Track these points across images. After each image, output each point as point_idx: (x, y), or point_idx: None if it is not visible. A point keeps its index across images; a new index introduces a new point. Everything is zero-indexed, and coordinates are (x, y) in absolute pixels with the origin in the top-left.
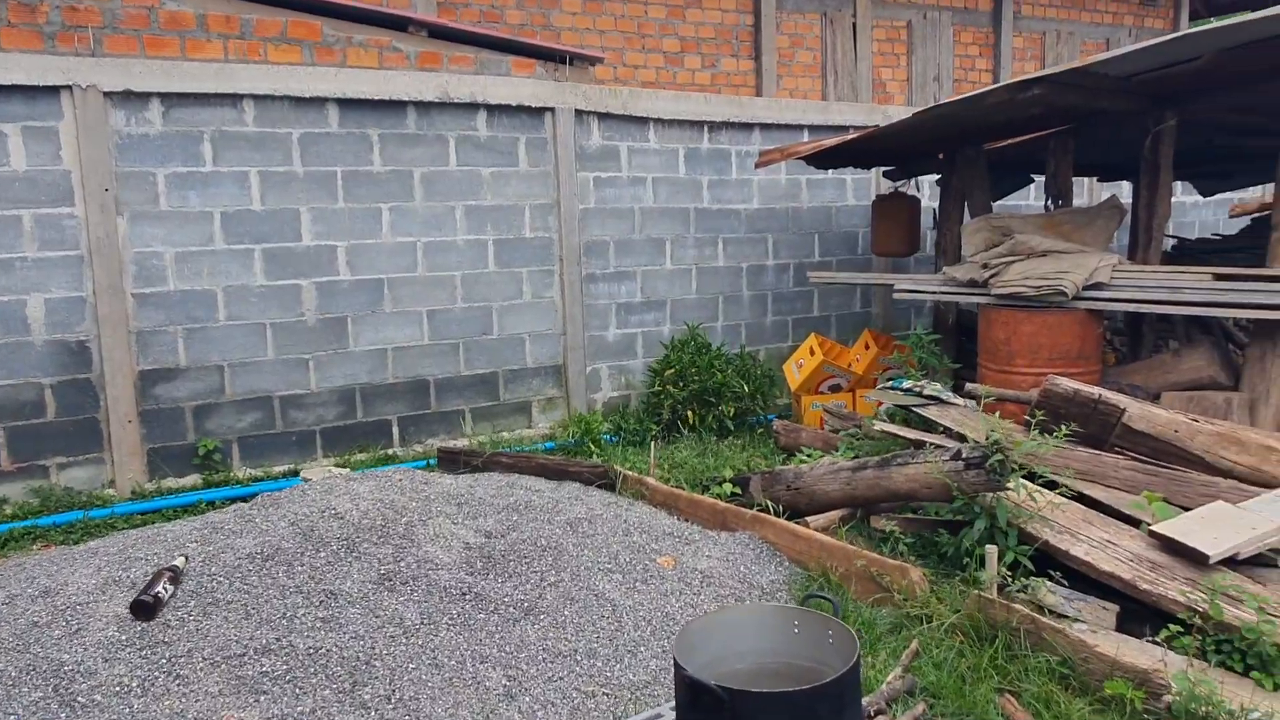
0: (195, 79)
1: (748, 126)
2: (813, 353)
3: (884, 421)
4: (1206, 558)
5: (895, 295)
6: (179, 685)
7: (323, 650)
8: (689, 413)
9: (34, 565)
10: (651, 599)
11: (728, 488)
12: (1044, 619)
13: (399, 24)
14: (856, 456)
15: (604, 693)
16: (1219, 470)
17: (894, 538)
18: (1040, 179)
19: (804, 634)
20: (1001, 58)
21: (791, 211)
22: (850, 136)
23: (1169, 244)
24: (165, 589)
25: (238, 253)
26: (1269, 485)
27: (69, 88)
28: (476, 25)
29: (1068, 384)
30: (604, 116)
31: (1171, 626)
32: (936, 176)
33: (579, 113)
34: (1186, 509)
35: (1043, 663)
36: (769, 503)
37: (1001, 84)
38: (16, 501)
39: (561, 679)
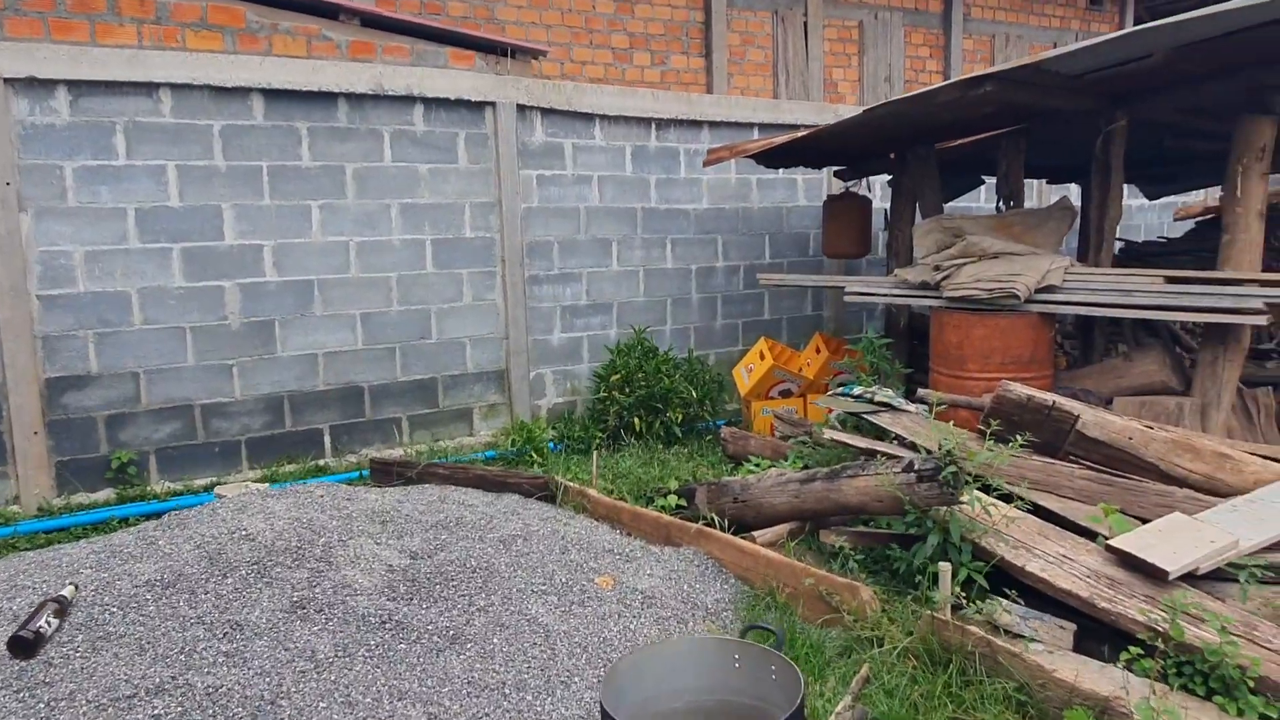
0: (106, 66)
1: (697, 124)
2: (763, 357)
3: (835, 429)
4: (1166, 574)
5: (846, 298)
6: None
7: (223, 689)
8: (635, 420)
9: None
10: (588, 623)
11: (673, 500)
12: (999, 641)
13: (330, 12)
14: (806, 466)
15: None
16: (1173, 478)
17: (844, 554)
18: (991, 180)
19: (745, 669)
20: (952, 59)
21: (742, 212)
22: (800, 134)
23: (1117, 247)
24: (48, 623)
25: (154, 252)
26: (1222, 494)
27: None
28: (416, 16)
29: (1021, 390)
30: (548, 112)
31: (1132, 649)
32: (888, 177)
33: (521, 108)
34: (1142, 520)
35: (999, 689)
36: (715, 516)
37: (953, 80)
38: None
39: (487, 715)
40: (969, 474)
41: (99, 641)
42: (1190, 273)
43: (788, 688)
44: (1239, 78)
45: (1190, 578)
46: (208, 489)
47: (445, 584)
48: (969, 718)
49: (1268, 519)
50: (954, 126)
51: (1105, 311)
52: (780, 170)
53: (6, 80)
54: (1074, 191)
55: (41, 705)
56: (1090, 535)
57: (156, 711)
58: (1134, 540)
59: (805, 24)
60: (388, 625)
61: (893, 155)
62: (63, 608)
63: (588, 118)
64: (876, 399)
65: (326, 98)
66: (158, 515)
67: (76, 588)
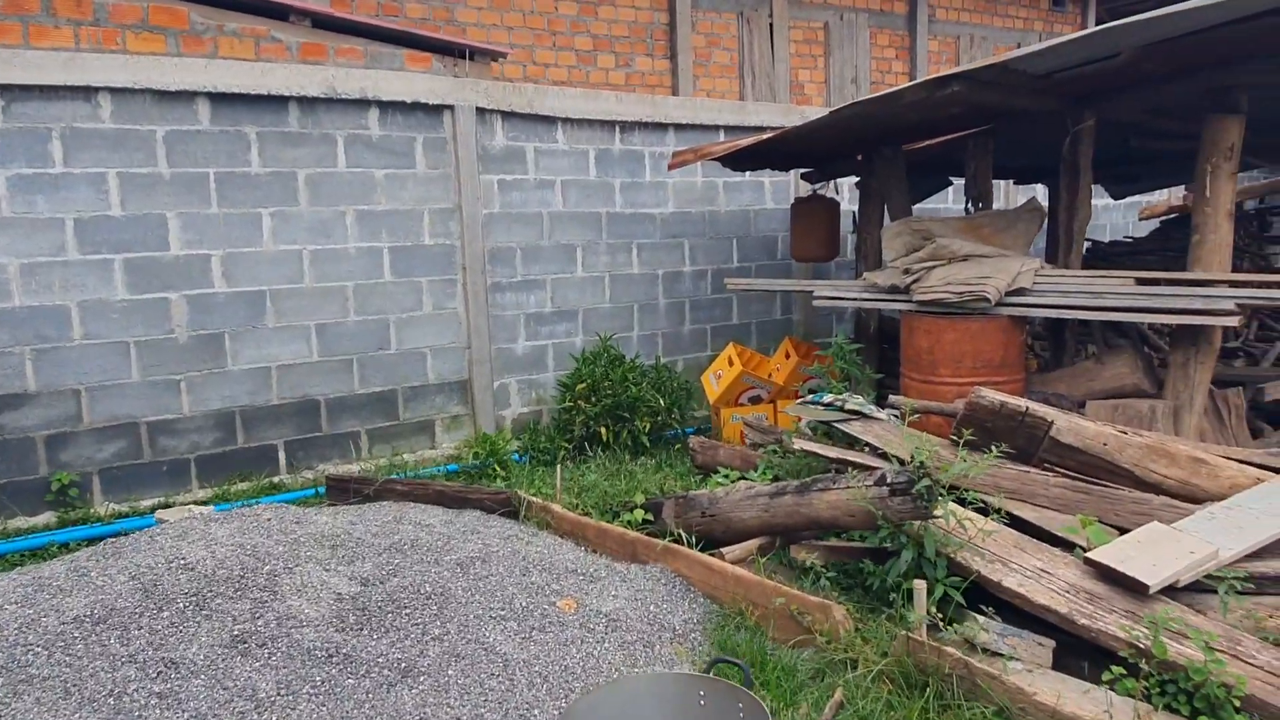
0: (41, 69)
1: (661, 127)
2: (731, 363)
3: (806, 436)
4: (1146, 588)
5: (815, 302)
6: None
7: None
8: (602, 429)
9: None
10: (549, 650)
11: (639, 514)
12: (977, 663)
13: (279, 12)
14: (776, 478)
15: None
16: (1149, 484)
17: (816, 571)
18: (959, 181)
19: (710, 708)
20: (917, 60)
21: (709, 215)
22: (765, 136)
23: (1084, 247)
24: None
25: (95, 264)
26: (1198, 500)
27: None
28: (373, 18)
29: (994, 396)
30: (508, 115)
31: (1114, 669)
32: (856, 179)
33: (481, 111)
34: (1120, 529)
35: (978, 714)
36: (682, 531)
37: (920, 81)
38: None
39: None
40: (943, 486)
41: (20, 685)
42: (1161, 274)
43: None
44: (1204, 77)
45: (1170, 590)
46: (154, 510)
47: (398, 612)
48: None
49: (1246, 527)
50: (921, 127)
51: (1077, 314)
52: (747, 173)
53: None
54: (1040, 192)
55: None
56: (1068, 546)
57: None
58: (1113, 552)
59: (770, 25)
60: (335, 659)
61: (860, 157)
62: None
63: (550, 121)
64: (847, 406)
65: (276, 101)
66: (101, 539)
67: None
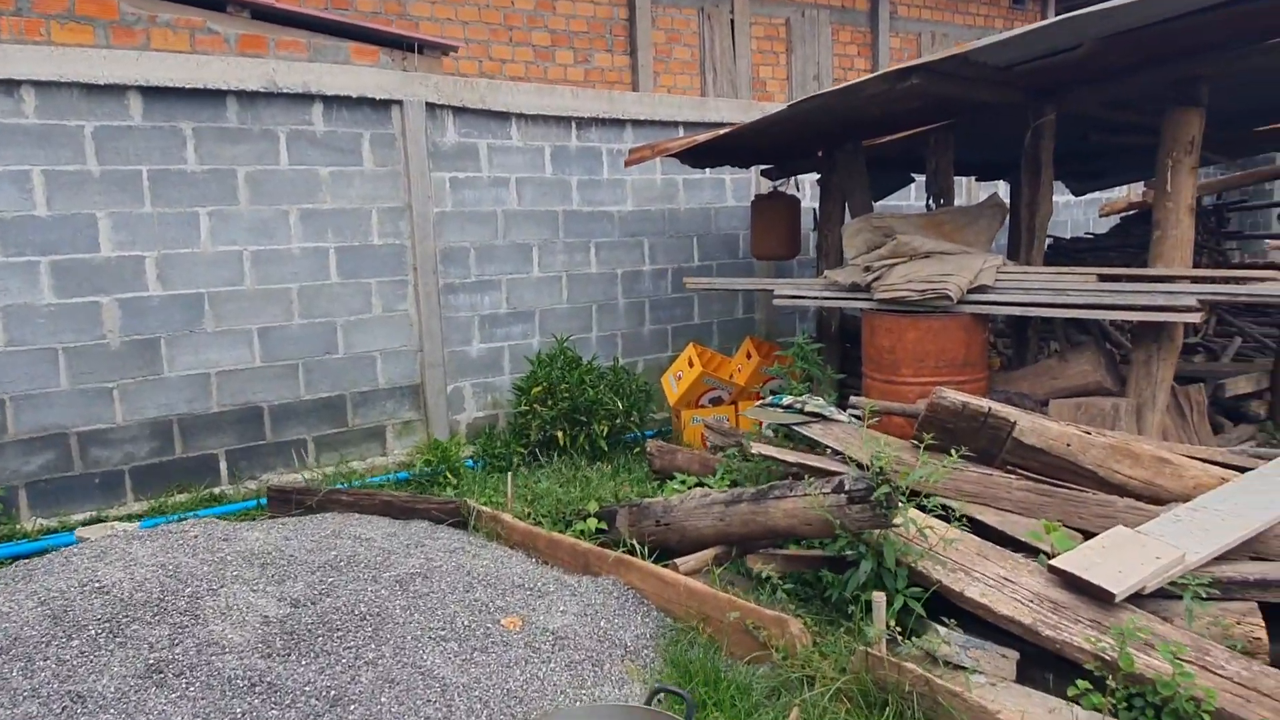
0: None
1: (619, 123)
2: (691, 364)
3: (767, 439)
4: (1112, 596)
5: (775, 301)
6: None
7: None
8: (559, 434)
9: None
10: (491, 672)
11: (592, 523)
12: (938, 680)
13: (215, 3)
14: (734, 483)
15: None
16: (1113, 485)
17: (772, 582)
18: (922, 178)
19: None
20: (879, 57)
21: (668, 213)
22: (722, 132)
23: (1045, 243)
24: None
25: (18, 266)
26: (1162, 501)
27: None
28: (322, 11)
29: (955, 397)
30: (460, 111)
31: (1080, 683)
32: (818, 176)
33: (431, 106)
34: (1084, 532)
35: None
36: (636, 541)
37: (880, 73)
38: None
39: None
40: (904, 492)
41: None
42: (1123, 270)
43: None
44: (1165, 69)
45: (1137, 597)
46: (87, 524)
47: (329, 635)
48: None
49: (1212, 529)
50: (882, 122)
51: (1039, 311)
52: (708, 170)
53: None
54: (1003, 189)
55: None
56: (1032, 551)
57: None
58: (1077, 559)
59: (732, 21)
60: (258, 688)
61: (821, 153)
62: None
63: (503, 117)
64: (806, 409)
65: (213, 96)
66: (25, 557)
67: None
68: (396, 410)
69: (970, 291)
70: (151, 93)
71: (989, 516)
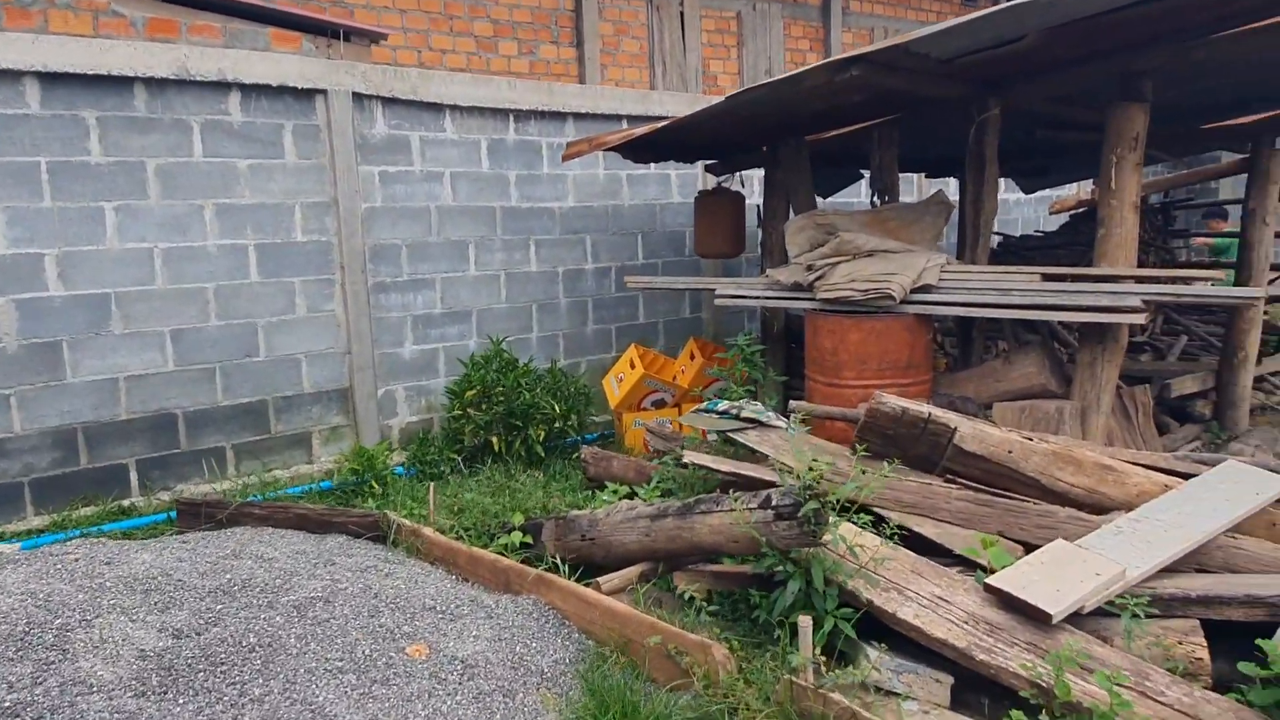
0: None
1: (560, 116)
2: (633, 365)
3: (701, 447)
4: (1049, 617)
5: (717, 301)
6: None
7: None
8: (493, 439)
9: None
10: (390, 708)
11: (517, 537)
12: (865, 711)
13: None
14: (666, 493)
15: None
16: (1055, 493)
17: (697, 603)
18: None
19: None
20: (832, 52)
21: (612, 210)
22: (659, 125)
23: (995, 241)
24: None
25: None
26: (1105, 508)
27: None
28: None
29: (895, 402)
30: (390, 102)
31: (1014, 713)
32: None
33: (358, 96)
34: (1025, 544)
35: None
36: (560, 557)
37: (819, 64)
38: None
39: None
40: (835, 505)
41: None
42: (1067, 270)
43: None
44: (1109, 63)
45: (1076, 617)
46: None
47: (212, 670)
48: None
49: (1154, 542)
50: (827, 116)
51: (983, 312)
52: (652, 165)
53: None
54: (953, 186)
55: None
56: (971, 564)
57: None
58: (1014, 577)
59: (682, 14)
60: None
61: (766, 148)
62: None
63: (437, 108)
64: (743, 415)
65: (119, 83)
66: None
67: None
68: (323, 415)
69: (914, 291)
70: (50, 79)
71: (928, 528)
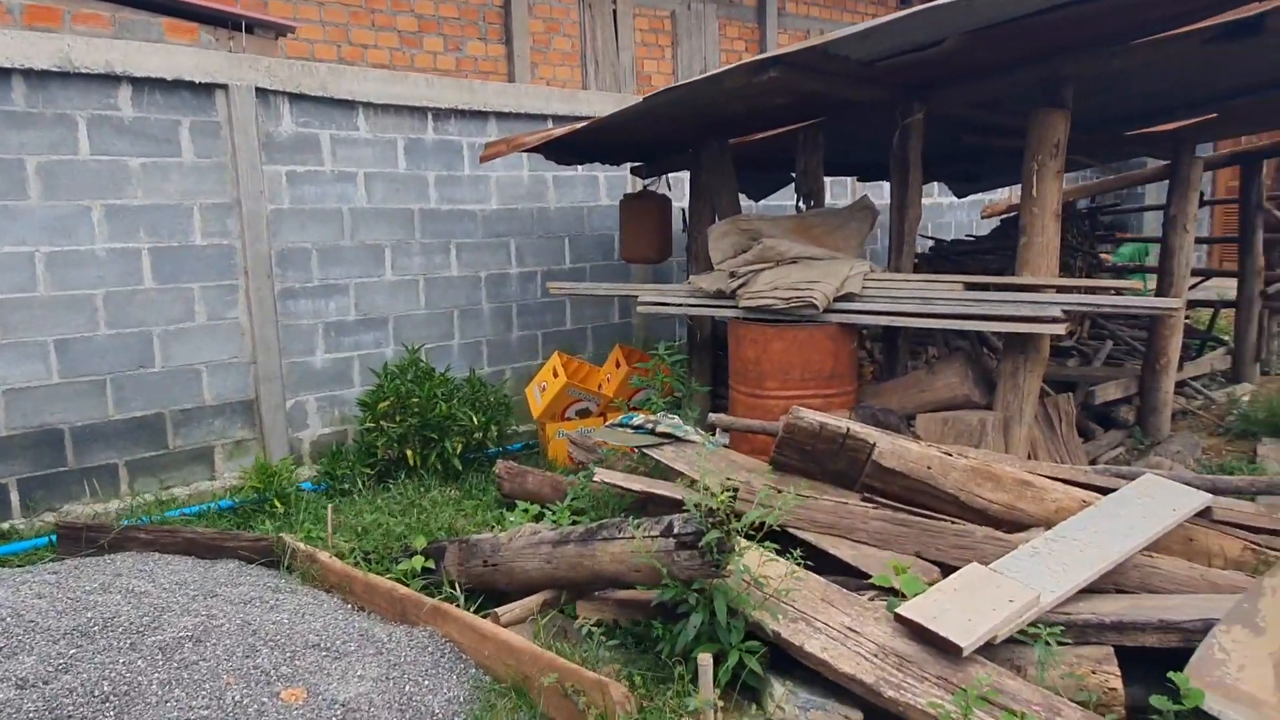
0: None
1: (482, 115)
2: (556, 374)
3: (610, 465)
4: (960, 649)
5: (639, 308)
6: None
7: None
8: (408, 452)
9: None
10: None
11: (419, 562)
12: None
13: None
14: (577, 512)
15: None
16: (974, 509)
17: (596, 637)
18: None
19: None
20: (767, 53)
21: (537, 213)
22: (578, 126)
23: (927, 246)
24: None
25: None
26: (1024, 525)
27: None
28: None
29: (813, 417)
30: (297, 98)
31: None
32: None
33: (263, 92)
34: (941, 565)
35: None
36: (461, 584)
37: (737, 65)
38: None
39: None
40: (743, 531)
41: None
42: (989, 279)
43: None
44: (1030, 69)
45: (988, 646)
46: None
47: None
48: None
49: (1070, 564)
50: (753, 118)
51: (905, 321)
52: (580, 167)
53: None
54: (886, 190)
55: None
56: (888, 589)
57: None
58: (925, 606)
59: (614, 12)
60: None
61: (691, 150)
62: None
63: (349, 105)
64: (659, 429)
65: None
66: None
67: None
68: (227, 429)
69: (838, 300)
70: None
71: (843, 550)
